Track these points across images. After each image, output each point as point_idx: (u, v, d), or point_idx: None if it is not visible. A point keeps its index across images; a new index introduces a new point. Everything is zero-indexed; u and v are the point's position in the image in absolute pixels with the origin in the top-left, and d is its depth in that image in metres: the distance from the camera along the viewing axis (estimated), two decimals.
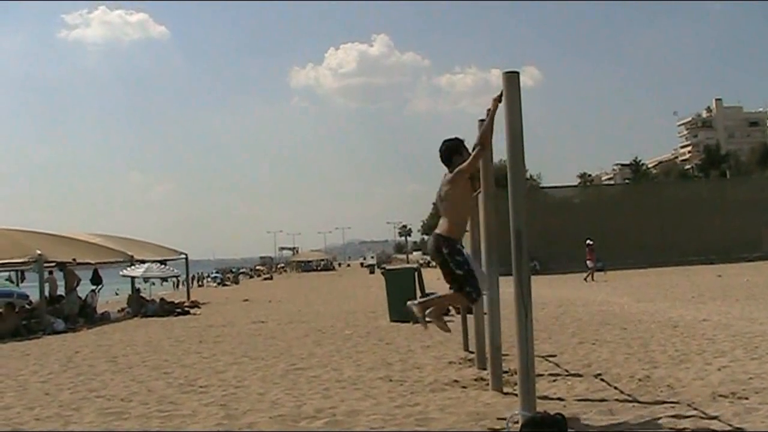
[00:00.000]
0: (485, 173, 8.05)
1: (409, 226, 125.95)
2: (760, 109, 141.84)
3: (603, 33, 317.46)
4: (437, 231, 6.94)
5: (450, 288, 7.02)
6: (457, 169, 6.84)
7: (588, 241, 31.33)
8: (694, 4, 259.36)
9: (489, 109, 6.97)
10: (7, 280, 27.61)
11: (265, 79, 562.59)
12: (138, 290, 27.36)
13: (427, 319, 7.26)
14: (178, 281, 36.11)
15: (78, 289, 23.09)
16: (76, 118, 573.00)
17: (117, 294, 32.66)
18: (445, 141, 7.13)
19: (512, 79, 5.95)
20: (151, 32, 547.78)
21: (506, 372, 7.88)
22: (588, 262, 30.92)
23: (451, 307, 17.10)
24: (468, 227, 7.35)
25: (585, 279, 30.24)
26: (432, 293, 17.74)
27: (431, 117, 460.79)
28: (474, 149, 6.93)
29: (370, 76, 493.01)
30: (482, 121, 7.79)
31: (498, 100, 6.57)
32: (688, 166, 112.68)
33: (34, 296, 22.42)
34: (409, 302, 7.40)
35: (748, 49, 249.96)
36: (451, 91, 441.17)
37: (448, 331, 7.70)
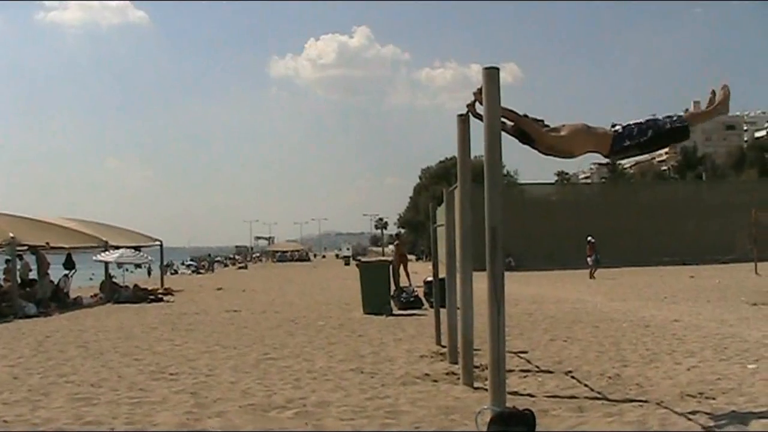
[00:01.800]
0: (462, 169, 8.07)
1: (385, 219, 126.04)
2: (737, 113, 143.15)
3: (584, 33, 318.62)
4: None
5: None
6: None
7: (589, 238, 31.39)
8: (674, 5, 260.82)
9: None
10: None
11: (243, 67, 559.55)
12: (111, 276, 27.20)
13: None
14: (150, 268, 35.93)
15: (50, 273, 22.91)
16: (52, 103, 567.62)
17: (91, 279, 32.41)
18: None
19: (492, 74, 5.95)
20: (130, 17, 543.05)
21: (477, 367, 7.91)
22: (588, 259, 30.99)
23: (425, 302, 17.20)
24: None
25: (591, 276, 30.15)
26: (406, 287, 17.89)
27: (409, 111, 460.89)
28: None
29: (349, 68, 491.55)
30: (461, 116, 7.80)
31: (477, 94, 6.55)
32: (664, 168, 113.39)
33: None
34: None
35: (726, 53, 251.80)
36: (430, 85, 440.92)
37: None
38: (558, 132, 6.78)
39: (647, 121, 6.69)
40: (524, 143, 6.87)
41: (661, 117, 6.72)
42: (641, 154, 6.91)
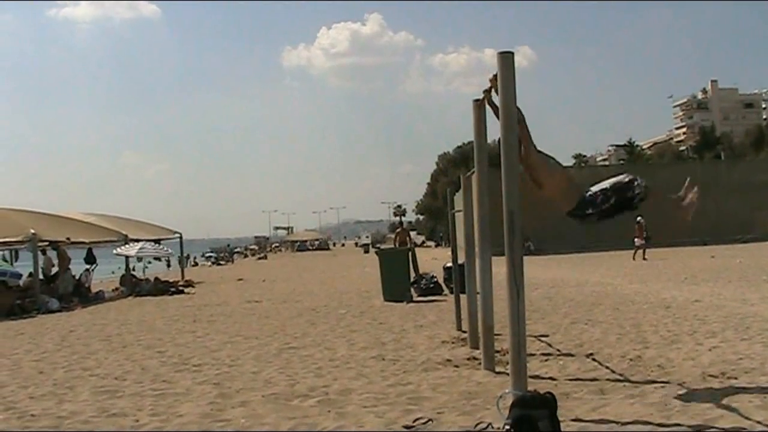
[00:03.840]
0: (479, 154, 8.06)
1: (404, 206, 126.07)
2: (755, 91, 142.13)
3: (598, 14, 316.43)
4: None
5: None
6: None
7: (638, 218, 31.22)
8: None
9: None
10: (2, 259, 27.53)
11: (257, 58, 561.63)
12: (130, 269, 27.40)
13: None
14: (170, 261, 36.11)
15: (71, 268, 23.07)
16: (68, 98, 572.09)
17: (113, 273, 32.65)
18: None
19: (507, 59, 5.93)
20: (142, 11, 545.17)
21: (498, 351, 7.91)
22: (636, 240, 30.74)
23: (445, 288, 17.21)
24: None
25: (633, 258, 29.94)
26: (426, 274, 17.90)
27: (425, 97, 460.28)
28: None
29: (362, 55, 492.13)
30: (477, 101, 7.79)
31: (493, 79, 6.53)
32: (682, 148, 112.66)
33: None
34: None
35: (744, 31, 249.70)
36: (444, 71, 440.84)
37: None
38: (545, 160, 6.86)
39: (613, 186, 6.78)
40: None
41: (626, 179, 6.82)
42: (592, 222, 6.96)
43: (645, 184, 6.85)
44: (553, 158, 7.13)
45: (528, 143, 6.82)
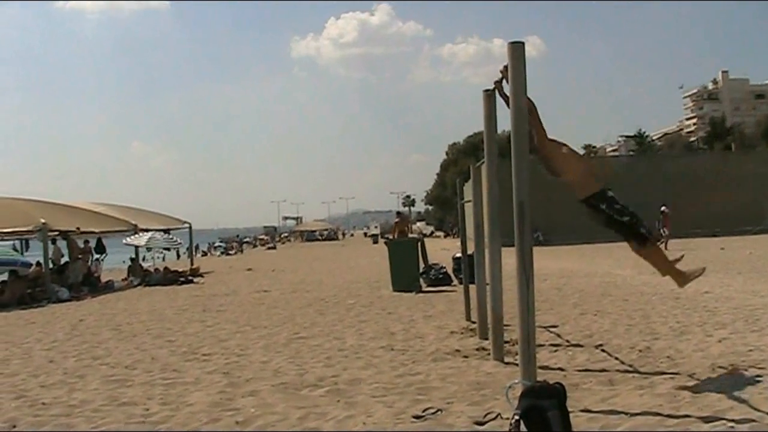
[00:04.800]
0: (489, 145, 8.05)
1: (412, 196, 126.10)
2: (766, 82, 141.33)
3: (608, 4, 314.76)
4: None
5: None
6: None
7: (663, 209, 30.89)
8: None
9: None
10: (12, 249, 27.63)
11: (265, 49, 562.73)
12: (135, 259, 27.50)
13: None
14: (179, 251, 36.13)
15: (81, 257, 23.14)
16: (76, 89, 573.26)
17: (124, 263, 32.80)
18: None
19: (517, 49, 5.91)
20: (150, 2, 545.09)
21: (507, 342, 7.92)
22: (664, 230, 30.47)
23: (454, 278, 17.18)
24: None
25: (665, 247, 29.60)
26: (435, 264, 17.86)
27: (433, 87, 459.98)
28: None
29: (371, 46, 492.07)
30: (487, 91, 7.78)
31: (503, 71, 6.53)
32: (693, 139, 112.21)
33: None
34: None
35: (755, 21, 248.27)
36: (453, 61, 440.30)
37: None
38: (559, 147, 6.86)
39: (632, 212, 6.93)
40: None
41: (642, 220, 7.05)
42: (597, 221, 7.07)
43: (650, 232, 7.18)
44: (567, 145, 7.13)
45: (540, 132, 6.84)
